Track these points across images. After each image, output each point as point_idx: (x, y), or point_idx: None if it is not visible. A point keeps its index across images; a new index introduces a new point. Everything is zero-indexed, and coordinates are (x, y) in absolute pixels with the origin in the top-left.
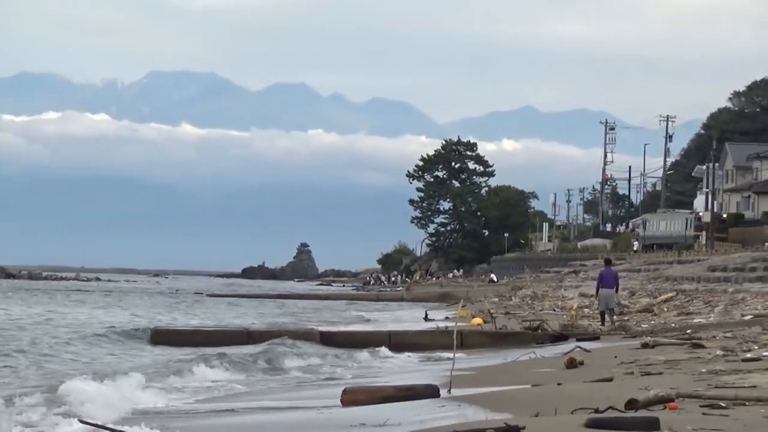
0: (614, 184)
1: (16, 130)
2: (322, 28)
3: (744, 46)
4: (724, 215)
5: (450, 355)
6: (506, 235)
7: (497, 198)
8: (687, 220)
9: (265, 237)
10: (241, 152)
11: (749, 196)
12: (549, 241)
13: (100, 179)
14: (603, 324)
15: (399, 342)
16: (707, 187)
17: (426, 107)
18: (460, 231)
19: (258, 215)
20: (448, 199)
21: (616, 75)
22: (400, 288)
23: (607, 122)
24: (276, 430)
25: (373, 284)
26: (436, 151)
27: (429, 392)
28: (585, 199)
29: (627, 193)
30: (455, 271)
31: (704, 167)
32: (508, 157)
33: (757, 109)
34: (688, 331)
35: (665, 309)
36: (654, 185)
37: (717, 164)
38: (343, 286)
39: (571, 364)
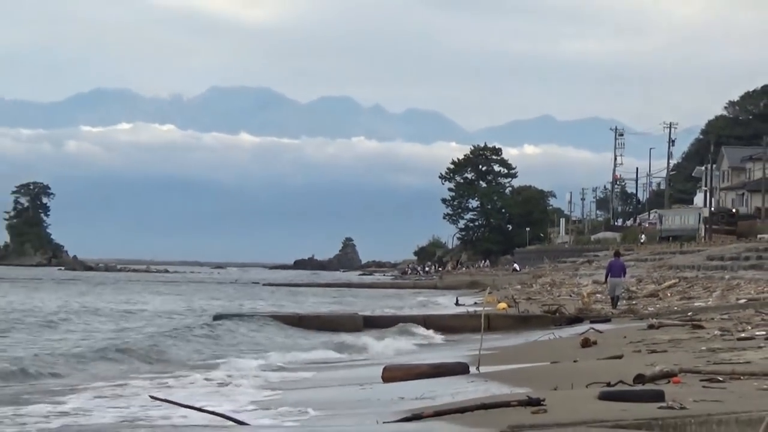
0: (623, 183)
1: (94, 140)
2: (363, 47)
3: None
4: (734, 210)
5: (478, 336)
6: (528, 229)
7: (519, 197)
8: (699, 214)
9: (313, 232)
10: (292, 157)
11: (743, 194)
12: (566, 234)
13: (167, 182)
14: (614, 307)
15: (433, 324)
16: (706, 186)
17: (456, 116)
18: (487, 226)
19: (307, 213)
20: (476, 198)
21: (624, 87)
22: (434, 277)
23: (616, 129)
24: (331, 395)
25: (410, 274)
26: (465, 155)
27: (459, 369)
28: (597, 197)
29: (634, 191)
30: (483, 261)
31: (703, 168)
32: (529, 161)
33: (750, 117)
34: (689, 314)
35: (669, 294)
36: (658, 184)
37: (714, 165)
38: (384, 275)
39: (586, 343)
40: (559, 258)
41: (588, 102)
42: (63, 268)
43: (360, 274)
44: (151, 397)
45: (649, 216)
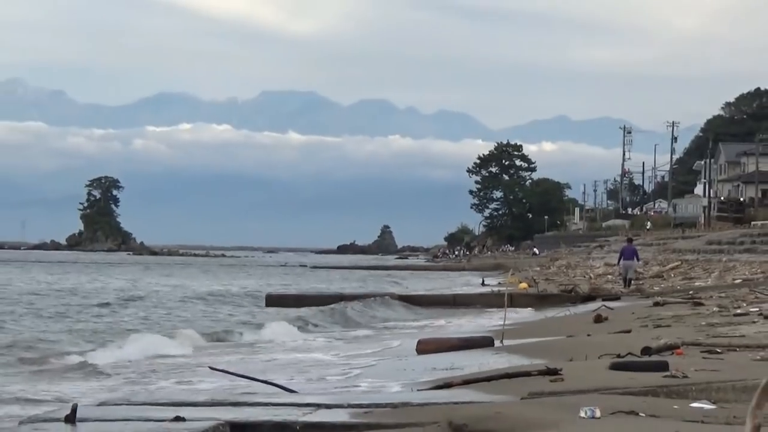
0: (631, 176)
1: (158, 138)
2: (398, 54)
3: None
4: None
5: (502, 312)
6: (546, 217)
7: (538, 188)
8: (711, 203)
9: (355, 220)
10: (336, 154)
11: (738, 185)
12: (579, 221)
13: (223, 176)
14: (625, 287)
15: (462, 302)
16: (705, 179)
17: (481, 117)
18: (510, 214)
19: (349, 203)
20: (499, 190)
21: (632, 89)
22: (463, 260)
23: (625, 127)
24: (371, 367)
25: (441, 257)
26: (489, 151)
27: (485, 342)
28: (608, 189)
29: (641, 183)
30: (506, 246)
31: (702, 162)
32: (547, 156)
33: (744, 116)
34: (691, 293)
35: (672, 275)
36: (662, 177)
37: (712, 160)
38: (417, 258)
39: (598, 319)
40: (574, 243)
41: (599, 103)
42: (131, 252)
43: (396, 258)
44: (210, 368)
45: (654, 205)
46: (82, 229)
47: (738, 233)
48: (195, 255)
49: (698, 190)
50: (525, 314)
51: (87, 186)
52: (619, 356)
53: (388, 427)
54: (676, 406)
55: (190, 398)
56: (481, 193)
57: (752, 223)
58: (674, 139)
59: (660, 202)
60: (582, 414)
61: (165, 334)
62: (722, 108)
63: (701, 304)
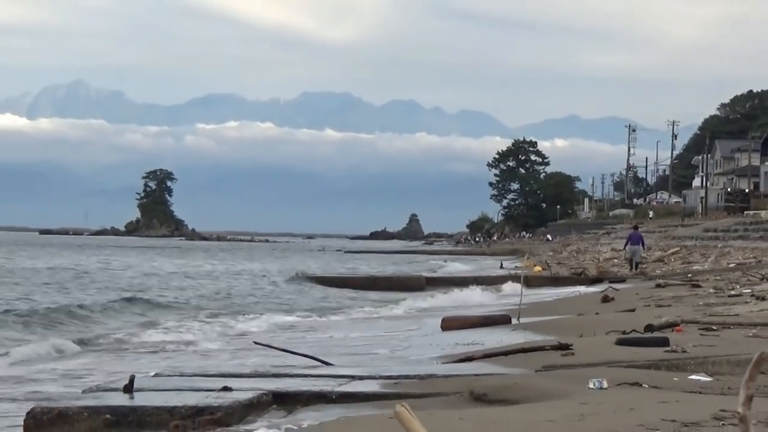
0: (635, 170)
1: (208, 135)
2: (425, 59)
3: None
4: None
5: (518, 293)
6: (558, 207)
7: (551, 181)
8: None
9: (385, 209)
10: (368, 150)
11: (732, 178)
12: (588, 211)
13: (266, 169)
14: (631, 270)
15: (482, 283)
16: (702, 172)
17: (500, 116)
18: (525, 204)
19: (380, 194)
20: (516, 182)
21: (637, 92)
22: (483, 245)
23: (630, 126)
24: (400, 342)
25: (463, 243)
26: (507, 147)
27: (503, 320)
28: (614, 181)
29: (645, 176)
30: (522, 233)
31: (700, 158)
32: (559, 152)
33: (738, 116)
34: (689, 275)
35: (672, 260)
36: (664, 171)
37: (709, 155)
38: (442, 244)
39: (605, 299)
40: (584, 230)
41: (607, 104)
42: (183, 238)
43: (423, 243)
44: (255, 342)
45: (656, 196)
46: (139, 216)
47: (732, 222)
48: (241, 240)
49: (696, 183)
50: (539, 294)
51: (143, 178)
52: (624, 333)
53: (415, 396)
54: (676, 378)
55: (236, 370)
56: (500, 185)
57: (745, 213)
58: (674, 136)
59: (662, 193)
60: (591, 385)
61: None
62: (718, 108)
63: (699, 286)
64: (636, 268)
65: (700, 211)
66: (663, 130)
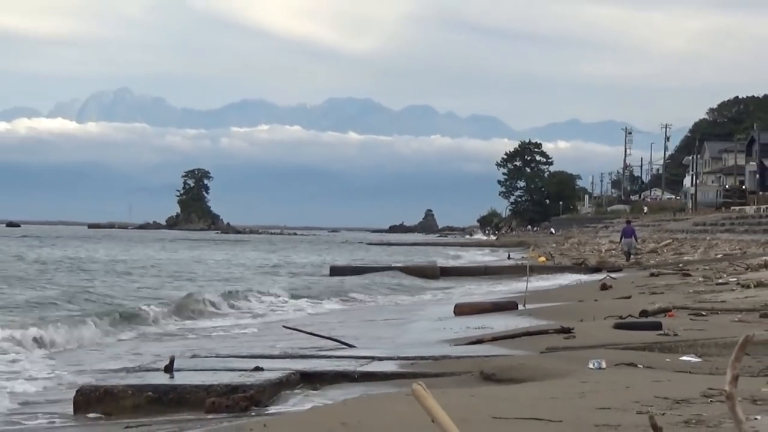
0: (631, 169)
1: (241, 137)
2: (439, 67)
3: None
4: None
5: (524, 281)
6: (560, 203)
7: (555, 179)
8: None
9: (403, 204)
10: (387, 151)
11: (720, 177)
12: (588, 206)
13: (294, 168)
14: (627, 260)
15: (492, 272)
16: (692, 171)
17: (507, 119)
18: (531, 200)
19: (398, 191)
20: (522, 180)
21: (632, 97)
22: (492, 238)
23: (626, 129)
24: (416, 326)
25: (474, 235)
26: (514, 149)
27: (511, 306)
28: (612, 179)
29: (640, 175)
30: (528, 226)
31: (690, 158)
32: (562, 153)
33: (725, 120)
34: (680, 265)
35: (665, 251)
36: (657, 170)
37: (698, 156)
38: (455, 237)
39: (604, 287)
40: (584, 224)
41: (605, 109)
42: (219, 231)
43: (437, 236)
44: (284, 326)
45: (650, 193)
46: (179, 212)
47: (720, 216)
48: (271, 233)
49: (687, 181)
50: (544, 282)
51: (183, 176)
52: (621, 318)
53: (430, 375)
54: (668, 359)
55: (267, 352)
56: (507, 183)
57: (731, 208)
58: (667, 138)
59: (655, 190)
60: (590, 365)
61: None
62: (707, 113)
63: (689, 275)
64: (629, 259)
65: (690, 206)
66: (656, 132)
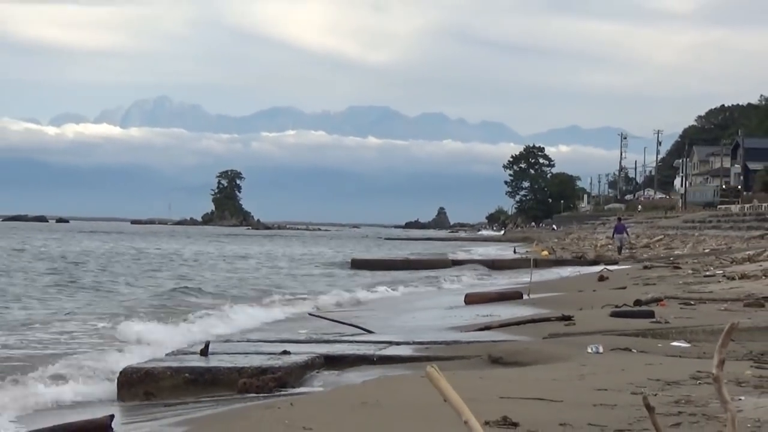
0: (626, 171)
1: (270, 142)
2: (451, 77)
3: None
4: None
5: (529, 272)
6: (562, 201)
7: (556, 180)
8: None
9: (418, 203)
10: (403, 154)
11: (707, 178)
12: (587, 205)
13: (319, 170)
14: (619, 254)
15: (499, 265)
16: (682, 173)
17: (513, 125)
18: (535, 199)
19: (413, 191)
20: (527, 181)
21: (627, 105)
22: (500, 233)
23: (622, 134)
24: (430, 314)
25: (483, 231)
26: (520, 152)
27: (516, 296)
28: (609, 180)
29: (634, 176)
30: (532, 223)
31: (680, 161)
32: (563, 156)
33: (713, 126)
34: (671, 259)
35: (657, 246)
36: (650, 172)
37: (688, 159)
38: (465, 232)
39: (601, 278)
40: (583, 221)
41: (603, 116)
42: (250, 227)
43: (449, 232)
44: (309, 314)
45: (644, 192)
46: (214, 209)
47: (707, 214)
48: (298, 229)
49: (677, 182)
50: (546, 274)
51: (217, 177)
52: (617, 306)
53: (442, 359)
54: (660, 345)
55: (294, 337)
56: (513, 184)
57: (718, 207)
58: (659, 143)
59: (648, 190)
60: (589, 350)
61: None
62: (695, 120)
63: (679, 268)
64: (621, 252)
65: (680, 205)
66: (649, 137)
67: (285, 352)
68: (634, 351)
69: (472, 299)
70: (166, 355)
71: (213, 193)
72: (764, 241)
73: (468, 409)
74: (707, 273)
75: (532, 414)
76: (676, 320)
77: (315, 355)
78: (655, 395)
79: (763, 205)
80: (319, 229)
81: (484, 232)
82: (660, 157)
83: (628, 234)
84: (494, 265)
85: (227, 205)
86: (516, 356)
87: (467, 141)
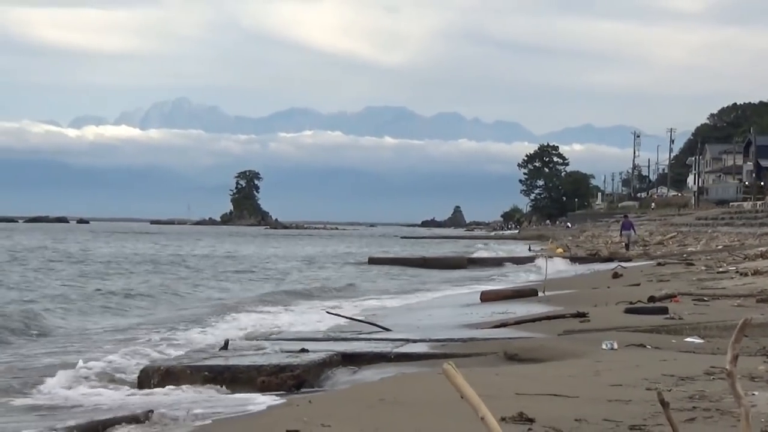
0: (639, 169)
1: (288, 142)
2: (466, 78)
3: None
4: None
5: (543, 270)
6: (576, 200)
7: (570, 178)
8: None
9: (434, 202)
10: (419, 153)
11: (720, 176)
12: (601, 203)
13: (336, 170)
14: (627, 250)
15: (515, 263)
16: (695, 171)
17: (528, 125)
18: (549, 198)
19: (430, 189)
20: (541, 179)
21: (641, 104)
22: (515, 231)
23: (635, 133)
24: (446, 312)
25: (498, 229)
26: (534, 151)
27: (531, 293)
28: (622, 178)
29: (647, 174)
30: (546, 221)
31: (693, 159)
32: (577, 155)
33: (725, 124)
34: (684, 255)
35: (670, 242)
36: (663, 169)
37: (700, 157)
38: (481, 230)
39: (615, 275)
40: (597, 219)
41: (616, 114)
42: (268, 227)
43: (465, 230)
44: (327, 312)
45: (657, 190)
46: (232, 209)
47: (720, 212)
48: (315, 228)
49: (690, 180)
50: (561, 271)
51: (235, 177)
52: (631, 303)
53: (459, 356)
54: (674, 341)
55: (312, 335)
56: (528, 182)
57: (730, 204)
58: (672, 141)
59: (661, 188)
60: (604, 346)
61: None
62: (708, 118)
63: (692, 264)
64: (629, 249)
65: (693, 202)
66: (662, 136)
67: (303, 350)
68: (649, 347)
69: (487, 297)
70: (187, 353)
71: (231, 193)
72: None
73: (484, 405)
74: (720, 269)
75: (547, 410)
76: (690, 316)
77: (333, 352)
78: (669, 391)
79: None
80: (336, 228)
81: (501, 231)
82: (673, 155)
83: (635, 231)
84: (511, 263)
85: (245, 204)
86: (532, 353)
87: (482, 140)
